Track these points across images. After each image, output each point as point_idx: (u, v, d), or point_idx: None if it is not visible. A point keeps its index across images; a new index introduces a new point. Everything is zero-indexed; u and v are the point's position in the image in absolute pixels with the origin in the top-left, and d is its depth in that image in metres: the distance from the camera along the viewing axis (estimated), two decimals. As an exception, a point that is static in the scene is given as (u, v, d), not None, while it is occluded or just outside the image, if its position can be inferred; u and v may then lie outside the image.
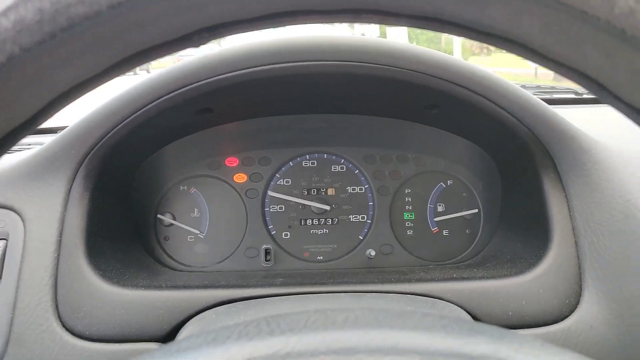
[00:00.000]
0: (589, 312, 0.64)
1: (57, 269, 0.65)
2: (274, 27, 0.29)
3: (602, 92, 0.25)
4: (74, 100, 0.28)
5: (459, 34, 0.26)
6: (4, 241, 0.65)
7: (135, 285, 0.67)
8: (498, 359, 0.24)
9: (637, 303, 0.62)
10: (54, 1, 0.22)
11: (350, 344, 0.25)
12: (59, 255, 0.66)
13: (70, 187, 0.69)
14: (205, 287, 0.68)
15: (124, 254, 0.75)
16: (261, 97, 0.76)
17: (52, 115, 0.28)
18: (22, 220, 0.66)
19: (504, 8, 0.23)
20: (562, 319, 0.65)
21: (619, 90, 0.24)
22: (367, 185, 0.91)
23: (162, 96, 0.65)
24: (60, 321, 0.63)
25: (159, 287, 0.68)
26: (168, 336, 0.64)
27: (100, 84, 0.28)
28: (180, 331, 0.63)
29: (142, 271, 0.75)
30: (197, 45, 0.28)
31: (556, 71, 0.26)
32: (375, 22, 0.27)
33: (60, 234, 0.67)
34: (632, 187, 0.65)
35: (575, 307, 0.65)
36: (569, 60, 0.25)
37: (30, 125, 0.27)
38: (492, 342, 0.25)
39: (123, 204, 0.80)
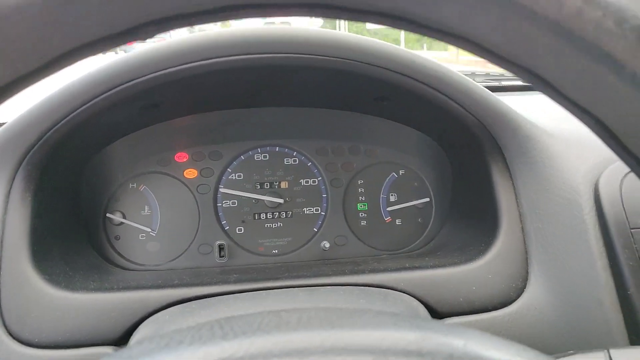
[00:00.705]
0: (535, 295, 0.67)
1: None
2: (223, 20, 0.28)
3: (550, 90, 0.26)
4: (8, 98, 0.27)
5: (411, 30, 0.27)
6: None
7: (86, 288, 0.65)
8: (448, 354, 0.25)
9: (579, 284, 0.65)
10: None
11: (303, 345, 0.25)
12: (0, 260, 0.63)
13: (10, 188, 0.66)
14: (158, 286, 0.67)
15: (72, 256, 0.73)
16: (208, 91, 0.75)
17: None
18: None
19: (456, 6, 0.23)
20: (510, 303, 0.67)
21: (566, 89, 0.25)
22: (320, 178, 0.91)
23: (105, 92, 0.63)
24: (6, 329, 0.60)
25: (111, 289, 0.66)
26: (121, 339, 0.63)
27: (36, 81, 0.27)
28: (133, 334, 0.62)
29: (92, 273, 0.73)
30: (143, 38, 0.27)
31: (507, 69, 0.26)
32: (328, 17, 0.28)
33: (1, 238, 0.63)
34: (573, 173, 0.68)
35: (523, 291, 0.68)
36: (519, 59, 0.25)
37: None
38: (442, 336, 0.26)
39: (70, 204, 0.77)
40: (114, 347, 0.63)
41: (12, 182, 0.66)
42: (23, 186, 0.66)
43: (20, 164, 0.66)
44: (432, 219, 0.91)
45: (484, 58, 0.27)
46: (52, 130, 0.65)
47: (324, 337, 0.26)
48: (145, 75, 0.62)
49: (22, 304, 0.62)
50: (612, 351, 0.48)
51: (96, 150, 0.80)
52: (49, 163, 0.69)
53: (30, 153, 0.66)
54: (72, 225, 0.78)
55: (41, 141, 0.66)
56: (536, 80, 0.26)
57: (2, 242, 0.64)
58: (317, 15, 0.27)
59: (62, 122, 0.64)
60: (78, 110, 0.64)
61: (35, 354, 0.60)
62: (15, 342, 0.61)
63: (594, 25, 0.22)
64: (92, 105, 0.63)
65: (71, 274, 0.68)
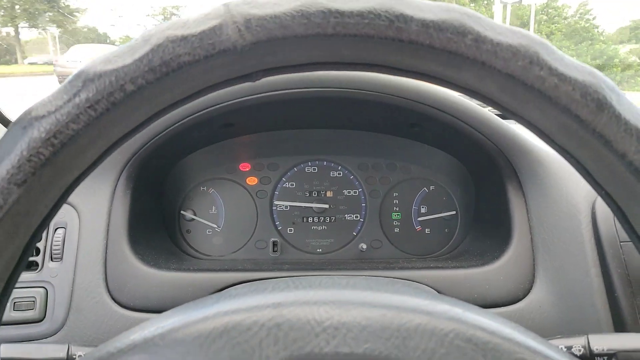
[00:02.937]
0: (539, 295, 0.79)
1: (106, 253, 0.79)
2: (314, 71, 0.36)
3: (541, 135, 0.35)
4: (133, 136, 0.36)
5: (439, 84, 0.35)
6: (63, 229, 0.79)
7: (168, 268, 0.81)
8: (455, 314, 0.33)
9: (576, 287, 0.77)
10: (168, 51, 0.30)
11: (352, 299, 0.34)
12: (107, 242, 0.80)
13: (115, 186, 0.83)
14: (226, 270, 0.82)
15: (156, 243, 0.90)
16: (274, 115, 0.91)
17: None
18: (77, 213, 0.80)
19: (473, 74, 0.32)
20: (518, 301, 0.79)
21: (552, 135, 0.34)
22: (361, 189, 1.06)
23: (196, 112, 0.80)
24: (110, 295, 0.77)
25: (188, 270, 0.82)
26: None
27: (157, 119, 0.36)
28: None
29: (171, 257, 0.89)
30: (253, 80, 0.34)
31: (509, 117, 0.35)
32: (384, 73, 0.35)
33: (108, 225, 0.81)
34: (575, 193, 0.81)
35: (529, 292, 0.79)
36: (516, 111, 0.34)
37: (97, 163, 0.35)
38: (453, 303, 0.35)
39: (154, 202, 0.94)
40: None
41: (117, 182, 0.84)
42: (125, 184, 0.84)
43: (125, 166, 0.83)
44: (457, 229, 1.04)
45: (490, 106, 0.36)
46: (151, 141, 0.83)
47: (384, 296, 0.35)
48: (231, 100, 0.79)
49: (122, 276, 0.79)
50: (590, 336, 0.60)
51: (178, 160, 0.97)
52: (144, 167, 0.86)
53: (132, 160, 0.83)
54: (155, 219, 0.95)
55: (142, 149, 0.83)
56: (528, 125, 0.35)
57: (108, 227, 0.81)
58: (375, 71, 0.35)
59: (161, 134, 0.82)
60: (174, 126, 0.81)
61: (130, 315, 0.77)
62: (116, 305, 0.77)
63: (566, 95, 0.30)
64: (185, 122, 0.80)
65: (156, 257, 0.85)
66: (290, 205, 1.04)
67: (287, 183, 1.05)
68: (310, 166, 1.06)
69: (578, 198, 0.80)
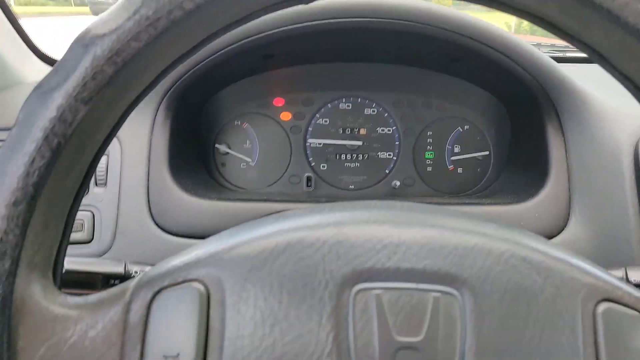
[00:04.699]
0: (573, 232, 0.80)
1: (148, 179, 0.81)
2: None
3: (603, 62, 0.34)
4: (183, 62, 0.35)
5: (499, 9, 0.34)
6: (106, 157, 0.81)
7: (208, 197, 0.83)
8: (509, 235, 0.34)
9: (612, 226, 0.77)
10: None
11: (410, 219, 0.36)
12: (148, 169, 0.82)
13: (155, 116, 0.84)
14: (264, 200, 0.84)
15: (194, 174, 0.92)
16: (313, 46, 0.90)
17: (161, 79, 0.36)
18: (119, 141, 0.82)
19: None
20: (552, 237, 0.80)
21: (615, 61, 0.33)
22: (395, 127, 1.05)
23: (237, 42, 0.79)
24: (153, 219, 0.80)
25: (227, 199, 0.84)
26: None
27: (212, 41, 0.36)
28: None
29: (209, 188, 0.91)
30: (306, 3, 0.34)
31: (569, 42, 0.34)
32: None
33: (149, 153, 0.82)
34: (618, 134, 0.80)
35: (563, 229, 0.81)
36: (579, 35, 0.33)
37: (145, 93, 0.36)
38: (507, 227, 0.37)
39: (192, 134, 0.95)
40: None
41: (157, 111, 0.84)
42: (164, 113, 0.84)
43: (164, 95, 0.84)
44: (490, 169, 1.04)
45: (552, 32, 0.34)
46: (191, 71, 0.82)
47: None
48: (272, 30, 0.78)
49: (164, 202, 0.81)
50: (628, 268, 0.61)
51: (216, 91, 0.97)
52: (183, 98, 0.86)
53: (173, 88, 0.84)
54: (193, 151, 0.97)
55: (181, 80, 0.83)
56: (592, 52, 0.34)
57: (149, 155, 0.83)
58: None
59: (200, 64, 0.81)
60: (214, 56, 0.80)
61: (173, 239, 0.80)
62: (159, 229, 0.80)
63: (635, 14, 0.29)
64: (226, 51, 0.80)
65: (195, 186, 0.87)
66: (323, 142, 1.04)
67: (321, 119, 1.04)
68: (345, 102, 1.05)
69: (621, 139, 0.79)
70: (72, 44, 0.32)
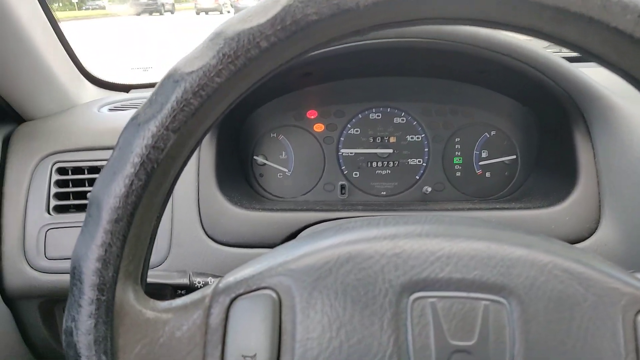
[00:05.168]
0: (605, 234, 0.83)
1: (198, 193, 0.87)
2: (419, 25, 0.38)
3: (600, 61, 0.36)
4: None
5: (539, 38, 0.37)
6: None
7: (253, 208, 0.89)
8: (552, 248, 0.38)
9: None
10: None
11: (460, 233, 0.40)
12: (198, 183, 0.88)
13: None
14: (305, 210, 0.89)
15: (237, 186, 0.97)
16: (347, 64, 0.95)
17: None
18: None
19: (577, 29, 0.33)
20: (583, 240, 0.83)
21: (612, 60, 0.35)
22: (424, 134, 1.09)
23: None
24: (204, 231, 0.86)
25: (270, 210, 0.89)
26: (280, 245, 0.86)
27: (277, 72, 0.38)
28: (299, 236, 0.85)
29: (251, 199, 0.97)
30: (362, 35, 0.37)
31: (607, 68, 0.37)
32: (487, 27, 0.37)
33: (198, 168, 0.88)
34: None
35: (594, 231, 0.83)
36: (617, 63, 0.35)
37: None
38: (549, 239, 0.40)
39: (233, 148, 1.01)
40: None
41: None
42: (212, 132, 0.90)
43: None
44: (517, 173, 1.07)
45: (557, 44, 0.37)
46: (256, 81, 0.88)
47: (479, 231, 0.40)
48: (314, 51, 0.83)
49: (214, 214, 0.87)
50: None
51: (256, 108, 1.03)
52: (227, 115, 0.92)
53: None
54: (234, 164, 1.02)
55: None
56: (629, 78, 0.36)
57: (198, 170, 0.89)
58: (478, 25, 0.37)
59: None
60: None
61: (223, 249, 0.85)
62: (210, 240, 0.86)
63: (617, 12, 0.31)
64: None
65: (240, 198, 0.93)
66: (355, 151, 1.08)
67: (352, 129, 1.09)
68: (375, 113, 1.09)
69: None
70: (164, 79, 0.37)
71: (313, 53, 0.82)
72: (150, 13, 23.35)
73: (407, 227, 0.41)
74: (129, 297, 0.38)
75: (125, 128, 0.36)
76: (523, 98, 1.01)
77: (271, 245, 0.86)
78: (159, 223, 0.41)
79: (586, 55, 0.36)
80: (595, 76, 0.88)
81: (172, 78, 0.36)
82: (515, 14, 0.35)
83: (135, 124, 0.36)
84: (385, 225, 0.41)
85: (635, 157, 0.82)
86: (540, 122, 1.00)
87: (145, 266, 0.41)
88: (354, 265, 0.38)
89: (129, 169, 0.35)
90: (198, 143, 0.40)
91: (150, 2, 23.39)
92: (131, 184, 0.35)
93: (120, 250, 0.36)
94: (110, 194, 0.35)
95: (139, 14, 23.19)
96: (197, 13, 23.89)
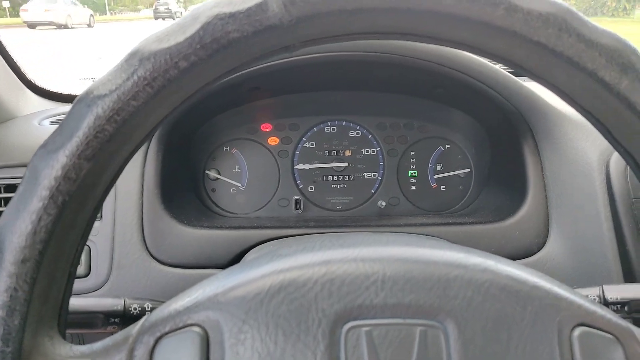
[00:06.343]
0: (553, 248, 0.83)
1: (141, 211, 0.83)
2: (349, 40, 0.38)
3: (565, 97, 0.37)
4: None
5: (469, 51, 0.38)
6: None
7: (201, 226, 0.86)
8: (488, 265, 0.37)
9: (588, 241, 0.81)
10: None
11: (394, 254, 0.38)
12: (142, 201, 0.84)
13: (147, 148, 0.87)
14: (255, 227, 0.87)
15: (185, 202, 0.94)
16: (298, 78, 0.93)
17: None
18: None
19: (504, 42, 0.34)
20: (533, 254, 0.84)
21: (575, 97, 0.36)
22: (379, 148, 1.08)
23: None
24: (148, 251, 0.82)
25: (219, 227, 0.86)
26: (229, 265, 0.84)
27: (203, 91, 0.38)
28: (244, 258, 0.82)
29: (200, 216, 0.94)
30: (291, 52, 0.36)
31: (534, 80, 0.37)
32: (417, 41, 0.38)
33: (142, 185, 0.85)
34: (590, 153, 0.84)
35: (543, 245, 0.84)
36: (542, 75, 0.36)
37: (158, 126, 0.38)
38: (485, 256, 0.39)
39: (182, 162, 0.98)
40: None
41: (150, 142, 0.87)
42: (155, 145, 0.87)
43: None
44: (471, 187, 1.08)
45: (519, 72, 0.38)
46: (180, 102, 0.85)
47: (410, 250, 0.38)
48: (259, 65, 0.81)
49: (158, 234, 0.83)
50: (605, 286, 0.64)
51: (204, 122, 1.00)
52: (173, 129, 0.89)
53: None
54: (183, 179, 0.99)
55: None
56: (554, 89, 0.37)
57: (142, 187, 0.85)
58: (409, 39, 0.37)
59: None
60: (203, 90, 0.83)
61: (168, 270, 0.82)
62: (154, 261, 0.82)
63: (592, 60, 0.32)
64: (214, 86, 0.83)
65: (188, 215, 0.89)
66: (310, 164, 1.07)
67: (307, 143, 1.07)
68: (330, 126, 1.08)
69: (592, 157, 0.83)
70: (75, 104, 0.35)
71: (258, 67, 0.81)
72: (164, 19, 25.90)
73: (342, 250, 0.39)
74: (41, 346, 0.34)
75: (33, 157, 0.33)
76: (475, 113, 1.02)
77: (220, 266, 0.83)
78: (79, 258, 0.38)
79: (516, 68, 0.37)
80: (544, 91, 0.89)
81: (84, 102, 0.33)
82: (443, 27, 0.35)
83: (43, 153, 0.33)
84: (320, 249, 0.40)
85: (579, 172, 0.83)
86: (492, 137, 1.01)
87: (64, 305, 0.37)
88: (286, 295, 0.36)
89: (35, 204, 0.32)
90: (120, 169, 0.38)
91: (166, 10, 27.03)
92: (39, 220, 0.32)
93: (29, 294, 0.32)
94: (14, 231, 0.32)
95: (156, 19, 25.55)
96: (156, 19, 25.84)
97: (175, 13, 26.69)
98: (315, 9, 0.33)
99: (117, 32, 17.03)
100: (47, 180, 0.32)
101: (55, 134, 0.34)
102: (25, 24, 17.83)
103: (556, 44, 0.32)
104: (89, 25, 20.31)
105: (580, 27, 0.32)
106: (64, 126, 0.34)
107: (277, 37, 0.34)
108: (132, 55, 0.33)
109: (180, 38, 0.33)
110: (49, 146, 0.33)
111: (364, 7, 0.33)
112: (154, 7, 29.05)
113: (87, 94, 0.34)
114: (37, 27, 18.03)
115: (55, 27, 18.32)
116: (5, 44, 1.02)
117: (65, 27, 18.51)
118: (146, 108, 0.34)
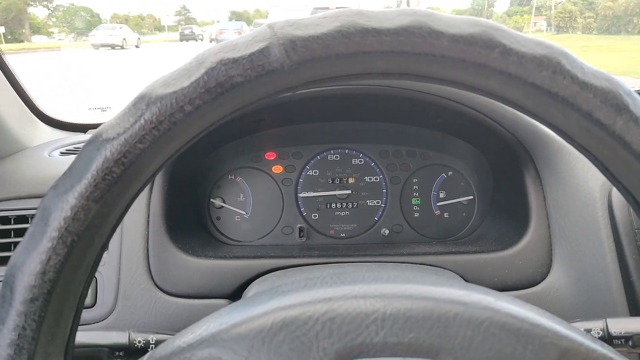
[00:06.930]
0: (556, 278, 0.83)
1: (147, 242, 0.84)
2: (350, 81, 0.38)
3: (563, 135, 0.37)
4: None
5: (467, 90, 0.38)
6: None
7: (206, 256, 0.87)
8: (488, 303, 0.37)
9: (592, 272, 0.81)
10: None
11: (395, 292, 0.38)
12: (148, 232, 0.85)
13: (153, 180, 0.88)
14: (260, 257, 0.87)
15: (190, 231, 0.95)
16: (302, 110, 0.95)
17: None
18: None
19: (500, 83, 0.35)
20: (536, 284, 0.83)
21: (573, 136, 0.36)
22: (382, 176, 1.09)
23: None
24: (154, 281, 0.83)
25: (224, 257, 0.87)
26: (233, 294, 0.84)
27: (207, 132, 0.39)
28: (245, 291, 0.83)
29: (205, 245, 0.94)
30: (294, 92, 0.37)
31: (532, 118, 0.37)
32: (415, 81, 0.38)
33: (148, 216, 0.86)
34: (592, 183, 0.84)
35: (546, 275, 0.84)
36: (539, 114, 0.36)
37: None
38: (485, 292, 0.39)
39: (187, 192, 0.99)
40: (228, 300, 0.84)
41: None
42: (162, 178, 0.88)
43: None
44: (474, 214, 1.08)
45: (517, 110, 0.38)
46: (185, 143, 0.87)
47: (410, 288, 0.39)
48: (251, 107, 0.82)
49: (164, 264, 0.84)
50: (609, 320, 0.64)
51: (210, 152, 1.02)
52: (178, 161, 0.90)
53: None
54: (188, 208, 1.00)
55: None
56: (551, 127, 0.37)
57: (148, 218, 0.86)
58: (407, 79, 0.38)
59: None
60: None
61: (174, 300, 0.82)
62: (160, 291, 0.83)
63: (587, 102, 0.33)
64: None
65: (193, 245, 0.90)
66: (314, 192, 1.08)
67: (310, 171, 1.09)
68: (333, 154, 1.09)
69: (595, 187, 0.83)
70: (85, 146, 0.36)
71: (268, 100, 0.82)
72: (187, 40, 30.58)
73: (343, 287, 0.39)
74: None
75: (44, 198, 0.35)
76: (476, 142, 1.03)
77: (225, 296, 0.84)
78: (86, 295, 0.38)
79: (513, 107, 0.37)
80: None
81: (94, 145, 0.35)
82: (439, 68, 0.36)
83: (53, 194, 0.34)
84: (321, 286, 0.40)
85: (582, 202, 0.83)
86: (493, 164, 1.02)
87: (71, 341, 0.38)
88: (288, 333, 0.37)
89: (45, 244, 0.33)
90: (128, 207, 0.39)
91: (189, 33, 31.92)
92: (48, 260, 0.33)
93: (37, 332, 0.33)
94: (24, 271, 0.33)
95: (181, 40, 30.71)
96: (181, 40, 30.17)
97: (197, 35, 31.79)
98: (316, 53, 0.34)
99: (156, 52, 22.14)
100: (57, 221, 0.33)
101: (65, 175, 0.35)
102: (92, 46, 24.45)
103: (551, 85, 0.33)
104: (136, 46, 26.35)
105: (574, 69, 0.33)
106: (73, 168, 0.35)
107: (279, 80, 0.35)
108: (140, 99, 0.35)
109: (186, 83, 0.34)
110: (59, 188, 0.35)
111: (363, 51, 0.35)
112: (179, 31, 34.83)
113: (97, 137, 0.35)
114: (100, 48, 23.97)
115: (110, 47, 24.15)
116: (15, 72, 1.04)
117: (122, 47, 24.38)
118: (152, 150, 0.35)
